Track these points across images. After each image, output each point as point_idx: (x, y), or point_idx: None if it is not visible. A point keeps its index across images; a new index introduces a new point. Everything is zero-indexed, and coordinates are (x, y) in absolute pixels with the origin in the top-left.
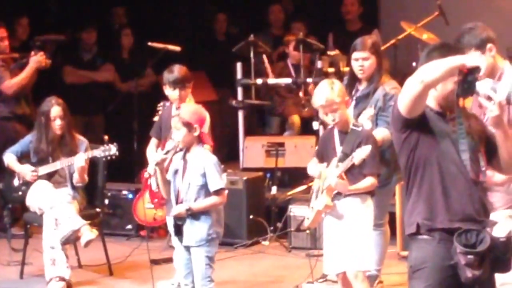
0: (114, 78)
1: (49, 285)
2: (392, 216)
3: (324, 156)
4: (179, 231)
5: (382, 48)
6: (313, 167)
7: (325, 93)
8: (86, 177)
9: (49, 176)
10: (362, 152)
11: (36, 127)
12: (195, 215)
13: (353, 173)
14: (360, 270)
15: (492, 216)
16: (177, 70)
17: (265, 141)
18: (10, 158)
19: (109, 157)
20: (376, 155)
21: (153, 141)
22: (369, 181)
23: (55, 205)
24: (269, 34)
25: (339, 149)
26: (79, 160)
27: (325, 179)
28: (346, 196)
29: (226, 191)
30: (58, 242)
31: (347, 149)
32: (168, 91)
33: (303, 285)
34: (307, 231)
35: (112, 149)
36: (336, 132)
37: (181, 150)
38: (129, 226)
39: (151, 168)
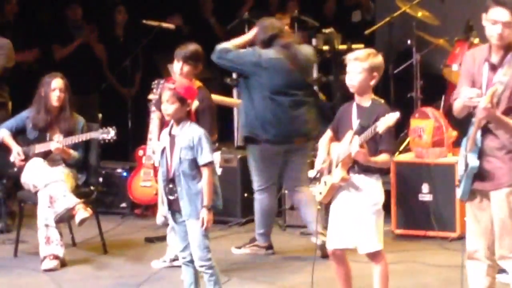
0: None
1: (43, 263)
2: (387, 194)
3: (339, 128)
4: (170, 206)
5: (378, 25)
6: (323, 147)
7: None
8: (72, 153)
9: (45, 155)
10: (388, 120)
11: (35, 101)
12: (187, 188)
13: (370, 148)
14: (374, 251)
15: (494, 195)
16: (189, 47)
17: None
18: (4, 134)
19: (106, 141)
20: (392, 132)
21: (156, 114)
22: (385, 157)
23: (49, 183)
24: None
25: (355, 121)
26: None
27: (338, 154)
28: (360, 173)
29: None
30: (52, 220)
31: (365, 122)
32: (175, 62)
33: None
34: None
35: (111, 132)
36: (354, 106)
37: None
38: (124, 205)
39: (155, 146)
